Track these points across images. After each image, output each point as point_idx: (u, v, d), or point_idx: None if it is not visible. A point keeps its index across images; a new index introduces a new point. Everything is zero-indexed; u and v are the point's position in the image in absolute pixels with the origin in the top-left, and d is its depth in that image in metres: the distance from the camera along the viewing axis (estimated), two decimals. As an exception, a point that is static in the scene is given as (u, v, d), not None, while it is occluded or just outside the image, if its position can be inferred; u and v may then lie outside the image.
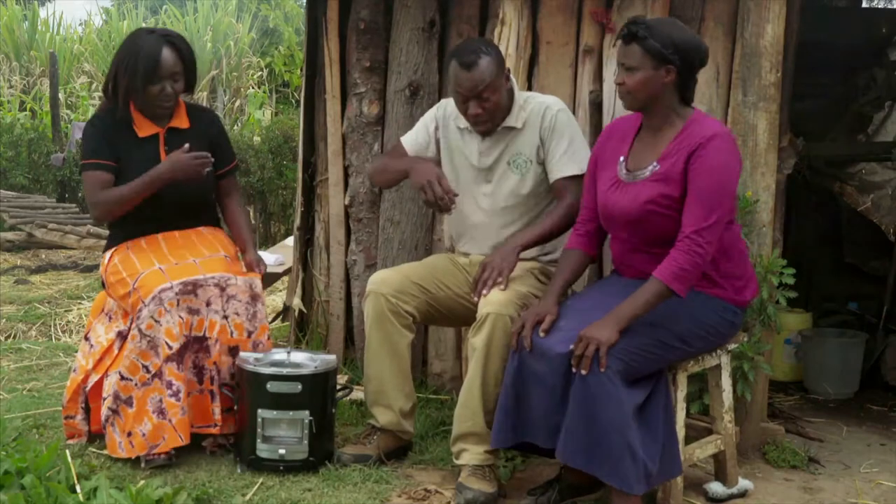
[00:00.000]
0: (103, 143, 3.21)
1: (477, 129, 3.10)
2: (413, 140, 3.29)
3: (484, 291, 2.89)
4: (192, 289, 3.03)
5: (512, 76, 3.17)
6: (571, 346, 2.57)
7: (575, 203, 3.02)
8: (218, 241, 3.30)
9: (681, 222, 2.65)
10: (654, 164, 2.73)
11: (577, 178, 3.06)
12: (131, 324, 3.18)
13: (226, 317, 3.08)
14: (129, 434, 3.00)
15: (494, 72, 2.98)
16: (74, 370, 3.23)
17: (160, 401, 2.98)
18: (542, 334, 2.66)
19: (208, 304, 3.06)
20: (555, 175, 3.07)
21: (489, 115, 3.03)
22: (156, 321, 2.97)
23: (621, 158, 2.83)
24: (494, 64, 2.99)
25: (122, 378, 3.01)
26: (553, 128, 3.07)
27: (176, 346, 3.00)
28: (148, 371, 2.98)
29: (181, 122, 3.30)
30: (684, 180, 2.66)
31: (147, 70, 3.13)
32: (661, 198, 2.68)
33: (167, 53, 3.16)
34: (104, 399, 3.08)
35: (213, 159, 3.21)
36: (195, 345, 3.07)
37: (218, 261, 3.18)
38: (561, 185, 3.07)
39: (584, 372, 2.52)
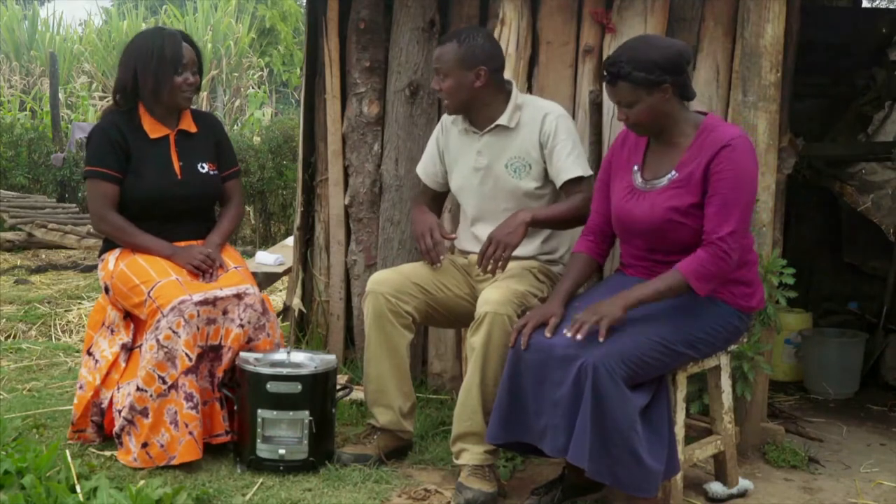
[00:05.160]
0: (110, 151, 3.20)
1: (444, 105, 3.18)
2: (423, 170, 3.39)
3: (490, 267, 2.91)
4: (212, 300, 3.02)
5: (511, 78, 3.21)
6: (565, 331, 2.57)
7: (590, 197, 3.03)
8: (229, 256, 3.31)
9: (699, 230, 2.65)
10: (672, 172, 2.72)
11: (583, 180, 3.07)
12: (135, 335, 3.19)
13: (241, 325, 3.07)
14: (146, 445, 2.98)
15: (451, 61, 3.05)
16: (81, 387, 3.20)
17: (175, 413, 2.97)
18: (547, 334, 2.65)
19: (225, 313, 3.05)
20: (563, 177, 3.07)
21: (445, 95, 3.10)
22: (174, 332, 2.95)
23: (635, 167, 2.82)
24: (456, 55, 3.05)
25: (139, 389, 2.99)
26: (555, 133, 3.08)
27: (195, 357, 2.99)
28: (164, 382, 2.97)
29: (189, 125, 3.33)
30: (703, 185, 2.65)
31: (174, 59, 3.18)
32: (679, 206, 2.68)
33: (186, 46, 3.24)
34: (118, 411, 3.07)
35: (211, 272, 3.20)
36: (210, 353, 3.06)
37: (232, 275, 3.18)
38: (569, 187, 3.08)
39: (578, 337, 2.53)
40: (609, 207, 2.88)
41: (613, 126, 3.47)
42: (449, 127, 3.29)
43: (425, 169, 3.38)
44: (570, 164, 3.06)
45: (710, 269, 2.61)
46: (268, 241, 9.09)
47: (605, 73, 2.69)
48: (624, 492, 2.58)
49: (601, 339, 2.52)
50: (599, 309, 2.58)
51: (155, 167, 3.23)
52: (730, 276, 2.73)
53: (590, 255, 2.92)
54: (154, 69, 3.17)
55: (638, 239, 2.80)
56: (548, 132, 3.09)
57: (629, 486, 2.54)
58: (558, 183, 3.09)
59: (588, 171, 3.10)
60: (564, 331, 2.58)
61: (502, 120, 3.12)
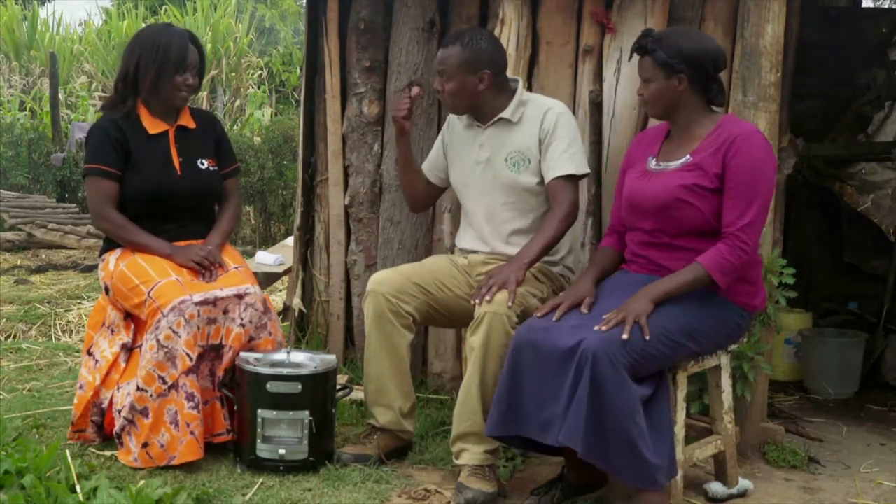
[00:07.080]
0: (109, 148, 3.20)
1: (445, 106, 3.19)
2: (427, 164, 3.42)
3: (487, 297, 2.86)
4: (212, 300, 3.02)
5: (517, 76, 3.25)
6: (595, 327, 2.59)
7: (571, 205, 3.04)
8: (229, 256, 3.30)
9: (706, 213, 2.71)
10: (687, 156, 2.78)
11: (572, 179, 3.06)
12: (135, 335, 3.19)
13: (242, 325, 3.07)
14: (146, 445, 2.97)
15: (455, 65, 3.06)
16: (81, 387, 3.20)
17: (176, 413, 2.97)
18: (584, 310, 2.71)
19: (226, 313, 3.05)
20: (551, 174, 3.06)
21: (447, 96, 3.12)
22: (174, 332, 2.95)
23: (651, 157, 2.88)
24: (460, 58, 3.06)
25: (139, 389, 2.99)
26: (554, 129, 3.08)
27: (195, 357, 2.99)
28: (164, 382, 2.96)
29: (188, 121, 3.34)
30: (718, 174, 2.70)
31: (178, 58, 3.19)
32: (691, 185, 2.72)
33: (192, 48, 3.26)
34: (118, 411, 3.06)
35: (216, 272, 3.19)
36: (211, 353, 3.06)
37: (232, 275, 3.18)
38: (556, 185, 3.06)
39: (604, 329, 2.57)
40: None
41: (613, 126, 3.48)
42: (455, 123, 3.30)
43: (428, 162, 3.41)
44: (564, 161, 3.05)
45: (730, 261, 2.66)
46: (268, 241, 9.09)
47: (636, 44, 2.81)
48: (620, 480, 2.59)
49: (625, 336, 2.54)
50: (628, 307, 2.63)
51: (154, 163, 3.23)
52: (743, 275, 2.75)
53: (615, 249, 2.99)
54: (158, 64, 3.18)
55: (645, 220, 2.83)
56: (547, 128, 3.09)
57: (625, 474, 2.55)
58: (547, 179, 3.08)
59: (582, 170, 3.09)
60: (595, 327, 2.60)
61: (506, 113, 3.13)
